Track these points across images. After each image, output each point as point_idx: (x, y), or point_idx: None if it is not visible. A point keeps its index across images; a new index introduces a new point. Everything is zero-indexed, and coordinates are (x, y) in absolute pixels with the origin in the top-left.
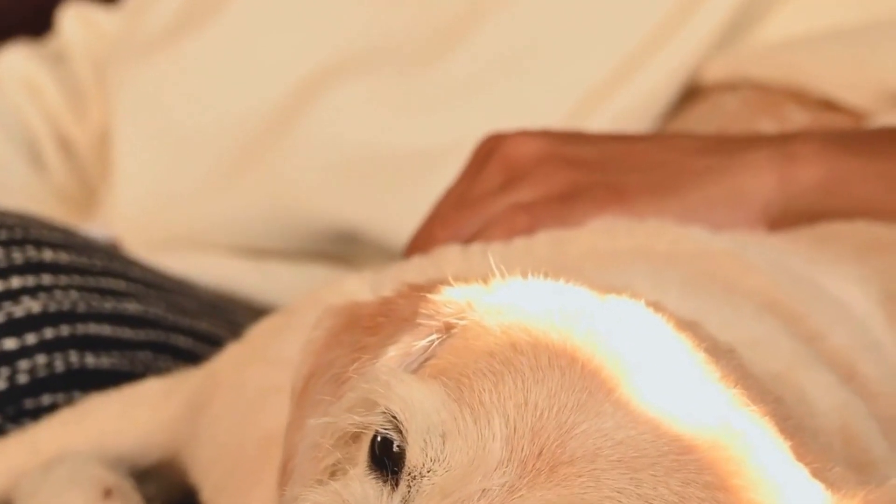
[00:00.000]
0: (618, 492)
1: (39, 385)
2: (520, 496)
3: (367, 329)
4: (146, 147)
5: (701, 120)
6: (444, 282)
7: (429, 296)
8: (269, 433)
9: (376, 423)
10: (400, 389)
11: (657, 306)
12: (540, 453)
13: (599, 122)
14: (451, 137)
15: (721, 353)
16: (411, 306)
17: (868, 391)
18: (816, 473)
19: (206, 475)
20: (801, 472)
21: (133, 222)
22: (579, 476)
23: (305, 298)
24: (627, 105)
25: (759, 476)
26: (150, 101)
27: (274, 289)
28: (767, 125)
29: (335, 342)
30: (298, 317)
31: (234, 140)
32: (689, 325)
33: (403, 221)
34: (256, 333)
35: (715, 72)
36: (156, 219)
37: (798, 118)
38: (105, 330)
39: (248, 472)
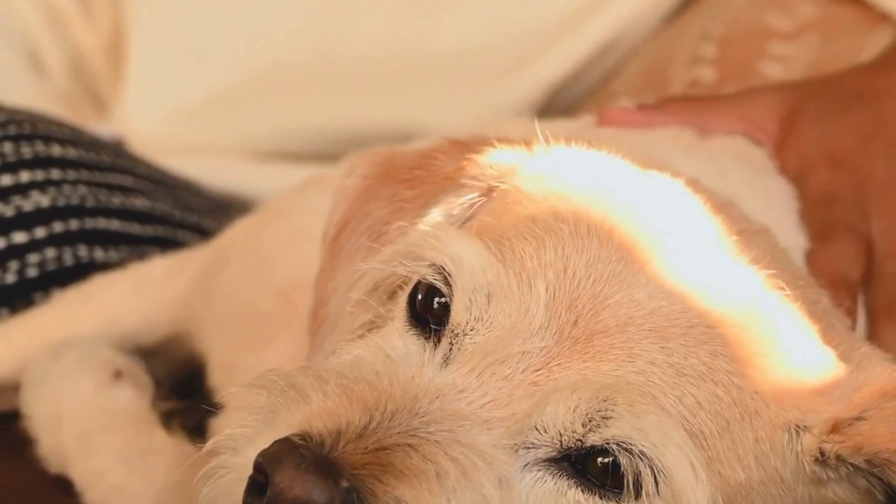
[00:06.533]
0: (651, 363)
1: (49, 278)
2: (557, 363)
3: (405, 182)
4: (160, 56)
5: (709, 18)
6: (487, 142)
7: (474, 156)
8: (287, 285)
9: (426, 274)
10: (450, 244)
11: (695, 185)
12: (576, 321)
13: (603, 23)
14: (457, 41)
15: (754, 234)
16: (453, 163)
17: None
18: (843, 355)
19: (216, 336)
20: (827, 355)
21: (144, 130)
22: (612, 347)
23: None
24: (632, 7)
25: (784, 357)
26: (165, 9)
27: (280, 189)
28: (776, 20)
29: (371, 193)
30: (328, 178)
31: (249, 50)
32: (725, 205)
33: (413, 122)
34: (275, 199)
35: None
36: (168, 127)
37: (807, 11)
38: (114, 225)
39: (262, 327)
